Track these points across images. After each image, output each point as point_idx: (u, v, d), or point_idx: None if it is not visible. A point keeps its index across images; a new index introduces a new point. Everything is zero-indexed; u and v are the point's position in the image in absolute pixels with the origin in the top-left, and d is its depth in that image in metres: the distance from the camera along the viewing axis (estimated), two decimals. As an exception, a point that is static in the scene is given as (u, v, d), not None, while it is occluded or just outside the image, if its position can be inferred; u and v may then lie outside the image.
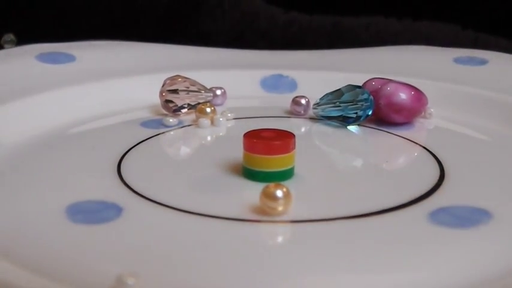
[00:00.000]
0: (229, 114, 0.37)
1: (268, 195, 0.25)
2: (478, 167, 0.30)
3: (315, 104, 0.37)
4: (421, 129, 0.36)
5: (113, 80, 0.40)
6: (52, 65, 0.40)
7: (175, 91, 0.37)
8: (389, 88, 0.35)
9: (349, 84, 0.35)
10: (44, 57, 0.40)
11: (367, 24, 0.58)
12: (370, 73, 0.38)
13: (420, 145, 0.33)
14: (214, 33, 0.59)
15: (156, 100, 0.37)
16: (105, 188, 0.28)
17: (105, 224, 0.25)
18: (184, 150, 0.34)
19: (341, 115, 0.35)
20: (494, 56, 0.43)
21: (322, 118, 0.37)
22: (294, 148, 0.28)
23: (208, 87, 0.39)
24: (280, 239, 0.25)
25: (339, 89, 0.35)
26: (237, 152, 0.29)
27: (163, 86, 0.37)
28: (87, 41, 0.44)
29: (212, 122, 0.36)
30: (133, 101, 0.39)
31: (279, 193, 0.25)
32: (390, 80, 0.36)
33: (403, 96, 0.35)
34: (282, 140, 0.28)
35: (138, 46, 0.45)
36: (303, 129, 0.36)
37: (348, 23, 0.59)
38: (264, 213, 0.25)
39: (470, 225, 0.25)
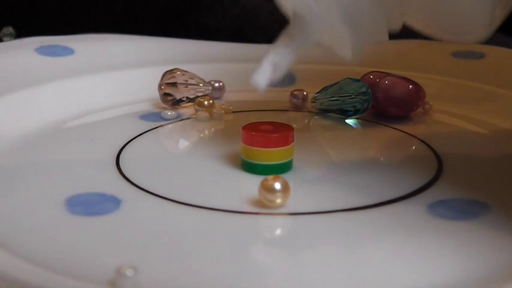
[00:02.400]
0: (227, 108, 0.37)
1: (267, 188, 0.25)
2: (476, 160, 0.31)
3: (313, 98, 0.37)
4: (419, 122, 0.36)
5: (112, 73, 0.40)
6: (51, 58, 0.40)
7: (174, 84, 0.37)
8: (387, 82, 0.35)
9: (347, 78, 0.35)
10: (43, 50, 0.40)
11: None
12: (368, 67, 0.38)
13: (418, 138, 0.33)
14: (213, 29, 0.59)
15: (155, 93, 0.37)
16: (104, 181, 0.28)
17: (104, 216, 0.25)
18: (183, 143, 0.34)
19: (339, 108, 0.35)
20: (492, 50, 0.43)
21: (320, 111, 0.37)
22: (292, 141, 0.28)
23: (207, 81, 0.39)
24: (278, 231, 0.25)
25: (337, 82, 0.36)
26: (235, 144, 0.29)
27: (162, 79, 0.37)
28: (86, 34, 0.44)
29: (211, 115, 0.36)
30: (132, 94, 0.39)
31: (278, 186, 0.25)
32: (388, 73, 0.36)
33: (400, 89, 0.35)
34: (280, 132, 0.28)
35: (137, 39, 0.45)
36: (301, 123, 0.36)
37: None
38: (262, 205, 0.25)
39: (468, 218, 0.25)
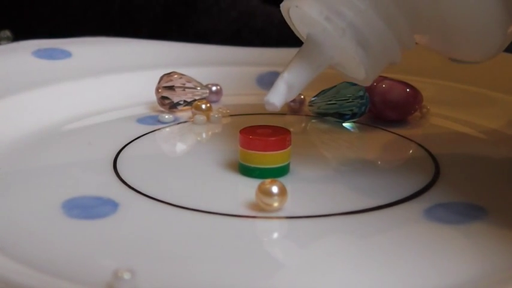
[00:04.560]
0: (225, 111, 0.37)
1: (264, 191, 0.25)
2: (473, 164, 0.31)
3: (310, 101, 0.37)
4: (417, 126, 0.36)
5: (109, 76, 0.40)
6: (48, 61, 0.40)
7: (171, 88, 0.37)
8: (384, 85, 0.35)
9: (345, 82, 0.35)
10: (40, 53, 0.40)
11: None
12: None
13: (415, 142, 0.33)
14: (210, 32, 0.59)
15: (152, 96, 0.37)
16: (101, 184, 0.28)
17: (101, 220, 0.25)
18: (180, 146, 0.34)
19: (337, 112, 0.35)
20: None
21: (317, 115, 0.37)
22: (289, 144, 0.28)
23: (204, 84, 0.39)
24: (275, 235, 0.25)
25: (335, 86, 0.36)
26: (233, 148, 0.29)
27: (159, 82, 0.37)
28: (83, 38, 0.44)
29: (208, 119, 0.36)
30: (129, 98, 0.39)
31: (275, 189, 0.25)
32: (385, 77, 0.36)
33: (398, 93, 0.35)
34: (277, 136, 0.28)
35: (135, 43, 0.45)
36: (298, 126, 0.36)
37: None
38: (259, 209, 0.25)
39: (466, 221, 0.25)
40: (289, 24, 0.28)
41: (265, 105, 0.27)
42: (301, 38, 0.28)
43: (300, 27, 0.28)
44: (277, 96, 0.27)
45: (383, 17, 0.26)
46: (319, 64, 0.27)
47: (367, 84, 0.28)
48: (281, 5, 0.27)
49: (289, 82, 0.27)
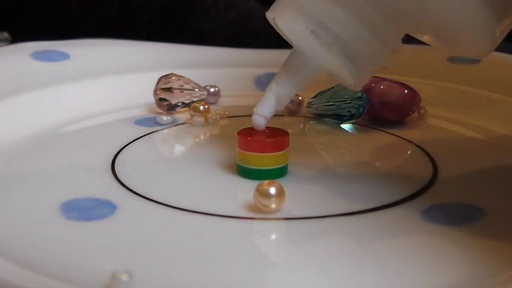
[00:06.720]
0: (223, 113, 0.37)
1: (262, 193, 0.25)
2: (471, 165, 0.31)
3: (308, 103, 0.37)
4: (415, 127, 0.36)
5: (107, 78, 0.40)
6: (46, 63, 0.40)
7: (169, 89, 0.37)
8: (382, 86, 0.35)
9: (343, 83, 0.35)
10: (38, 55, 0.40)
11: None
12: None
13: (413, 143, 0.33)
14: (208, 33, 0.59)
15: (150, 98, 0.37)
16: (99, 186, 0.28)
17: (99, 221, 0.25)
18: (178, 148, 0.34)
19: (334, 113, 0.35)
20: (487, 55, 0.43)
21: (315, 116, 0.37)
22: (287, 146, 0.28)
23: (202, 86, 0.39)
24: (273, 236, 0.25)
25: (333, 87, 0.36)
26: (230, 150, 0.29)
27: (157, 84, 0.37)
28: (81, 39, 0.44)
29: (206, 121, 0.36)
30: (127, 99, 0.39)
31: (273, 191, 0.25)
32: (383, 78, 0.36)
33: (396, 94, 0.35)
34: (275, 137, 0.28)
35: (133, 44, 0.45)
36: (296, 128, 0.36)
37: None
38: (257, 210, 0.25)
39: (464, 223, 0.25)
40: (276, 29, 0.28)
41: (252, 118, 0.27)
42: (289, 42, 0.28)
43: (287, 34, 0.28)
44: (266, 108, 0.27)
45: (369, 28, 0.26)
46: (307, 75, 0.27)
47: (358, 89, 0.28)
48: (266, 13, 0.27)
49: (277, 93, 0.27)
